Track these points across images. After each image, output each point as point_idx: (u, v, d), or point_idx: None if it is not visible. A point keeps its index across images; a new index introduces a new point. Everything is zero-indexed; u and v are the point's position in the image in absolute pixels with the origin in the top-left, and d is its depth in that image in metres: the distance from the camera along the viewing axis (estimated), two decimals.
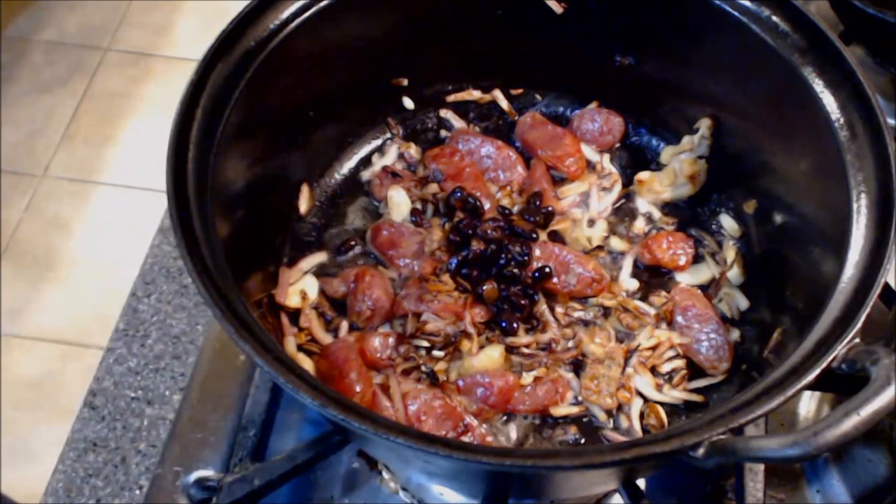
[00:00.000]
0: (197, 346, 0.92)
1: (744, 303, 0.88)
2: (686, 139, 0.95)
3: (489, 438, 0.79)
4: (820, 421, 0.55)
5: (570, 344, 0.85)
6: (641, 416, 0.82)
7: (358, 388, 0.78)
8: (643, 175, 0.95)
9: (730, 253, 0.91)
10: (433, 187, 0.95)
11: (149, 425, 0.87)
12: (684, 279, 0.90)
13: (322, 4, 0.82)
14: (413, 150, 0.99)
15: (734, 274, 0.89)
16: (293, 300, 0.86)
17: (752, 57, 0.82)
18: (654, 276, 0.91)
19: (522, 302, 0.84)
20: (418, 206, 0.94)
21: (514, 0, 0.93)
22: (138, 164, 1.64)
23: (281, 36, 0.80)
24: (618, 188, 0.96)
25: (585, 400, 0.82)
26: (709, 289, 0.89)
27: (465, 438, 0.78)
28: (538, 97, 1.03)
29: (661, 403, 0.83)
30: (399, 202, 0.93)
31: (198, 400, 0.88)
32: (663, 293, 0.88)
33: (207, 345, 0.92)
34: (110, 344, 0.92)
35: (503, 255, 0.86)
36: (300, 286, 0.87)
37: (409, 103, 1.00)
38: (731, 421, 0.58)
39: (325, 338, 0.85)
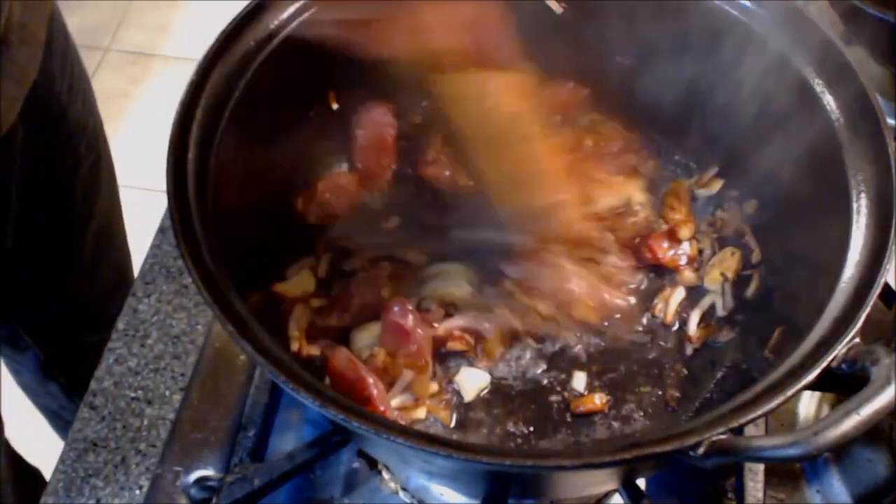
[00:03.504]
0: (197, 346, 0.92)
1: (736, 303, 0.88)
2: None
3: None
4: (820, 421, 0.55)
5: None
6: None
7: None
8: None
9: (730, 253, 0.91)
10: None
11: (149, 425, 0.87)
12: (685, 278, 0.90)
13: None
14: None
15: (733, 273, 0.89)
16: (293, 291, 0.86)
17: (751, 57, 0.82)
18: (656, 275, 0.91)
19: None
20: None
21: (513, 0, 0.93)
22: (138, 164, 1.64)
23: (281, 36, 0.80)
24: None
25: None
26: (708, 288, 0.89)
27: None
28: None
29: None
30: None
31: (198, 400, 0.88)
32: None
33: (207, 345, 0.92)
34: (110, 344, 0.92)
35: None
36: (300, 283, 0.87)
37: None
38: (731, 421, 0.58)
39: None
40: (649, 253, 0.90)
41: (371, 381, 0.77)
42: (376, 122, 0.94)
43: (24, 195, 1.06)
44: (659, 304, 0.88)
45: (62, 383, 1.35)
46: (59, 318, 1.27)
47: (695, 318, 0.87)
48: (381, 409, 0.76)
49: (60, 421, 1.47)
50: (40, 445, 1.40)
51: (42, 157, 1.07)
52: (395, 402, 0.80)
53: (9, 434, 1.26)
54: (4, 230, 1.07)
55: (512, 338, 0.85)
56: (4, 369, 1.37)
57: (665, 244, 0.90)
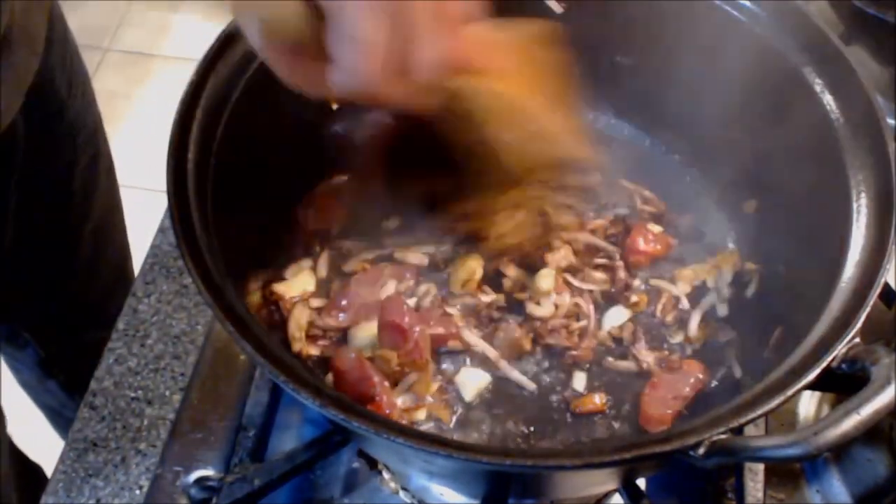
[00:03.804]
0: (197, 346, 0.92)
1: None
2: None
3: None
4: (820, 421, 0.55)
5: None
6: None
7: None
8: None
9: (728, 252, 0.91)
10: None
11: (149, 425, 0.87)
12: (683, 276, 0.90)
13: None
14: None
15: (732, 273, 0.89)
16: (293, 291, 0.86)
17: (752, 57, 0.82)
18: (655, 276, 0.91)
19: None
20: None
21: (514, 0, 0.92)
22: (138, 164, 1.64)
23: None
24: None
25: None
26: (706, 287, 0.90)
27: None
28: None
29: None
30: None
31: (198, 400, 0.88)
32: None
33: (207, 345, 0.92)
34: (110, 344, 0.92)
35: None
36: (300, 283, 0.87)
37: None
38: (731, 421, 0.58)
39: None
40: (633, 255, 0.90)
41: (377, 380, 0.77)
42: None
43: (22, 192, 1.06)
44: (659, 305, 0.88)
45: (61, 381, 1.36)
46: (58, 316, 1.27)
47: (695, 318, 0.87)
48: (387, 411, 0.76)
49: (60, 419, 1.48)
50: (41, 444, 1.40)
51: (41, 152, 1.07)
52: (398, 402, 0.80)
53: (10, 431, 1.26)
54: (3, 227, 1.07)
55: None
56: (5, 367, 1.37)
57: (641, 242, 0.90)
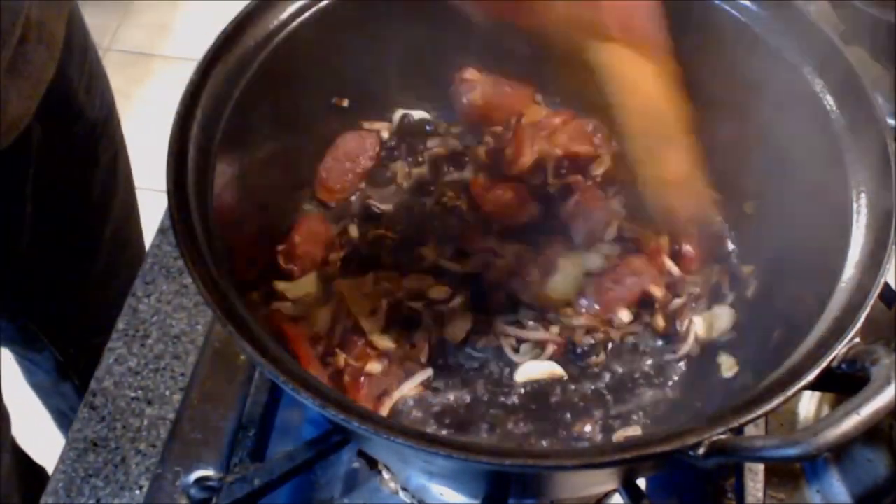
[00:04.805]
0: (197, 346, 0.92)
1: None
2: None
3: None
4: (820, 421, 0.55)
5: None
6: None
7: None
8: None
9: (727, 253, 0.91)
10: None
11: (149, 425, 0.87)
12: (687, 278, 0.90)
13: (322, 4, 0.82)
14: None
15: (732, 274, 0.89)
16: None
17: (752, 57, 0.82)
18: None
19: None
20: None
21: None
22: (138, 164, 1.64)
23: (281, 36, 0.80)
24: None
25: None
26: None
27: None
28: (538, 98, 1.03)
29: None
30: None
31: (198, 400, 0.88)
32: None
33: (207, 345, 0.92)
34: (110, 344, 0.92)
35: None
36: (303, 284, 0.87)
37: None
38: (731, 421, 0.58)
39: None
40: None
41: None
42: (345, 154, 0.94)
43: (39, 195, 1.06)
44: (659, 304, 0.88)
45: (77, 385, 1.35)
46: (75, 318, 1.26)
47: (696, 318, 0.87)
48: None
49: (69, 422, 1.47)
50: (46, 446, 1.40)
51: (58, 156, 1.07)
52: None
53: (15, 433, 1.26)
54: (20, 230, 1.07)
55: None
56: (16, 368, 1.37)
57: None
